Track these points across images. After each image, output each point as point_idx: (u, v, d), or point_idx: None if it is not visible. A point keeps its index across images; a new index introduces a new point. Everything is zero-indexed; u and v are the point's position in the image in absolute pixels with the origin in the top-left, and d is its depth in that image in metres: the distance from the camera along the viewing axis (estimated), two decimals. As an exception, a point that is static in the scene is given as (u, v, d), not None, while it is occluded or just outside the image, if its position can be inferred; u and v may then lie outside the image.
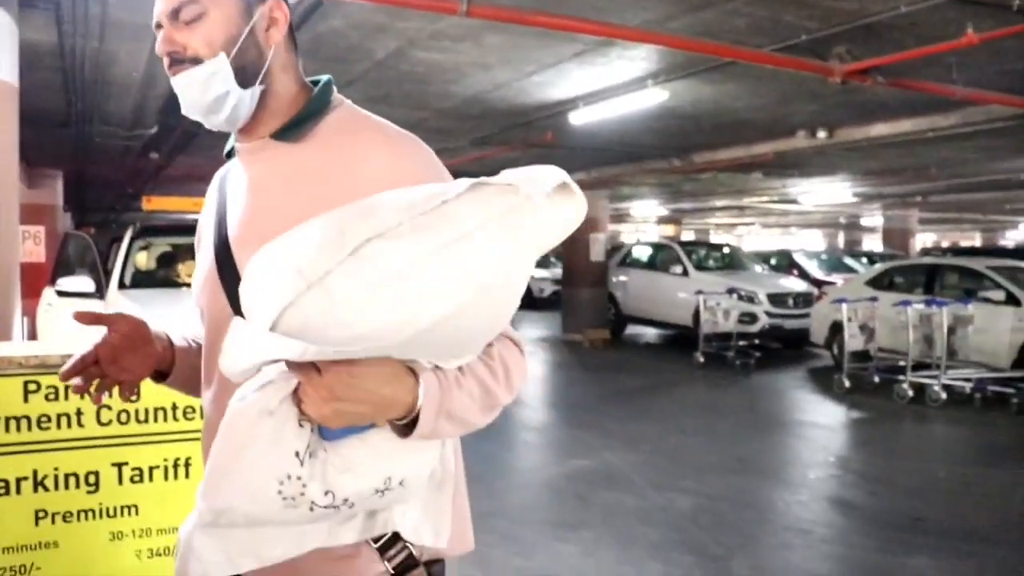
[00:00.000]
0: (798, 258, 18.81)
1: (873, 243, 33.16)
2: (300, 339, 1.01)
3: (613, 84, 7.68)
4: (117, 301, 6.47)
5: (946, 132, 9.13)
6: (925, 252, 23.57)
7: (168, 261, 8.01)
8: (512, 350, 1.22)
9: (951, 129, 8.96)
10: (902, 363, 9.71)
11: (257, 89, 1.27)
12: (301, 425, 1.07)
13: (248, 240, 1.24)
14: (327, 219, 1.05)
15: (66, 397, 2.62)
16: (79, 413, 2.64)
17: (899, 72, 6.49)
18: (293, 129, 1.29)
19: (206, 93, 1.24)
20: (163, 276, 7.76)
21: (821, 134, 9.88)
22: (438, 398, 1.10)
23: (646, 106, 8.02)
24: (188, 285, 7.22)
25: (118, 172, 15.00)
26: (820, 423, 8.72)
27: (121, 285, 7.10)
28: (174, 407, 2.75)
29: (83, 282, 6.92)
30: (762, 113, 9.13)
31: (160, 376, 1.47)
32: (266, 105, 1.30)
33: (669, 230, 30.40)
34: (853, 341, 10.14)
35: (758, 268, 15.53)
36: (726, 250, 16.56)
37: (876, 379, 9.99)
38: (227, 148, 1.39)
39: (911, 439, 8.23)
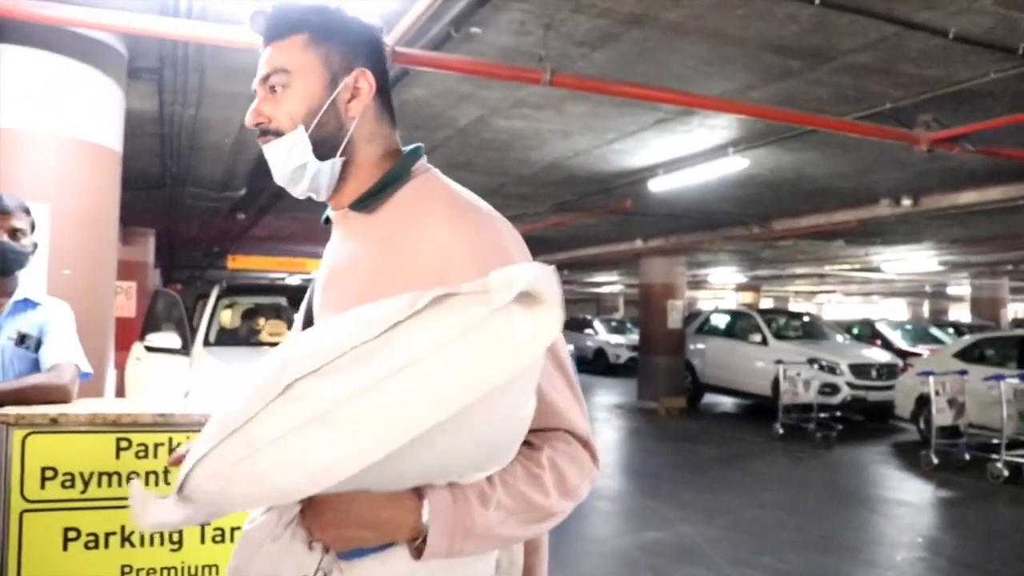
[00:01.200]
0: (881, 328, 18.27)
1: (960, 313, 32.05)
2: (211, 494, 0.97)
3: (693, 152, 7.70)
4: (201, 358, 6.64)
5: (1039, 201, 8.85)
6: (1017, 323, 22.68)
7: (251, 320, 8.20)
8: (569, 451, 1.16)
9: (1043, 197, 8.69)
10: (995, 440, 9.28)
11: (337, 161, 1.30)
12: (311, 548, 1.06)
13: (319, 314, 1.31)
14: (277, 353, 1.02)
15: (155, 455, 2.69)
16: (166, 472, 2.70)
17: (988, 139, 6.34)
18: (367, 199, 1.30)
19: (286, 164, 1.28)
20: (246, 334, 7.94)
21: (906, 202, 9.68)
22: (450, 517, 1.03)
23: (726, 173, 8.00)
24: (270, 344, 7.42)
25: (206, 231, 15.57)
26: (907, 501, 8.35)
27: (206, 342, 7.28)
28: (257, 468, 2.79)
29: (170, 338, 7.11)
30: (844, 181, 9.01)
31: None
32: (349, 175, 1.32)
33: (747, 297, 29.95)
34: (941, 416, 9.74)
35: (839, 337, 15.15)
36: (806, 318, 16.21)
37: (967, 456, 9.56)
38: (324, 215, 1.42)
39: (1007, 523, 7.81)
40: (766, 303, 33.40)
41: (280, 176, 1.31)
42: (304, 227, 15.31)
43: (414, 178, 1.31)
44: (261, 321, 8.16)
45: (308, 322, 1.38)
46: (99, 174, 4.35)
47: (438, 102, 6.24)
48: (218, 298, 8.03)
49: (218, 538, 2.75)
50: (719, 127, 6.91)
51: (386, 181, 1.30)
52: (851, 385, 12.80)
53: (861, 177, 8.78)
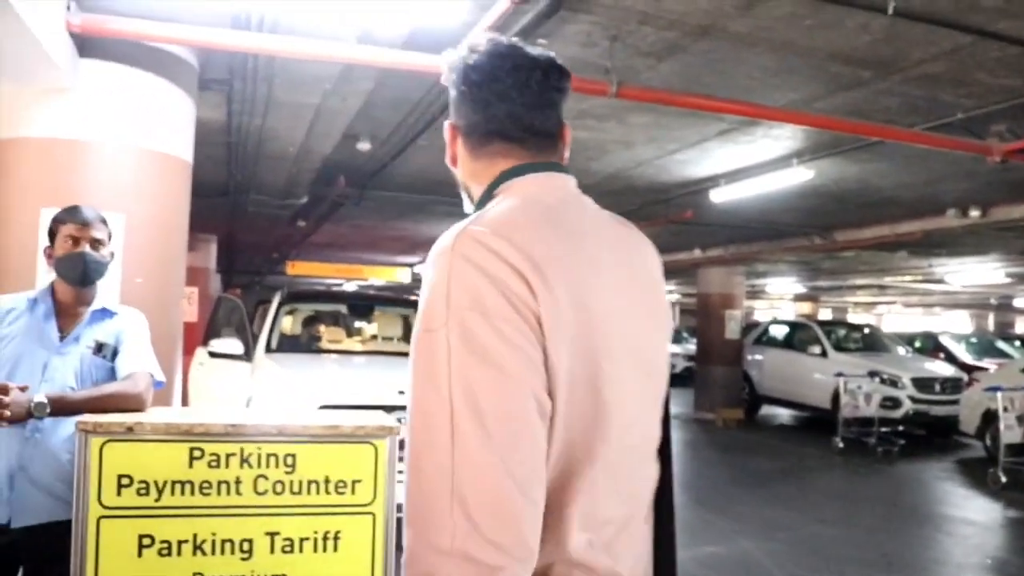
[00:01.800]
0: (944, 340, 17.79)
1: (1027, 326, 31.12)
2: None
3: (757, 162, 7.60)
4: (263, 364, 6.71)
5: (1115, 212, 8.56)
6: (1088, 338, 21.87)
7: (312, 326, 8.29)
8: None
9: (1120, 209, 8.39)
10: (1066, 460, 8.98)
11: (473, 206, 1.36)
12: None
13: None
14: None
15: (227, 465, 2.72)
16: (238, 482, 2.73)
17: (1064, 151, 6.14)
18: None
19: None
20: (307, 341, 8.02)
21: (974, 213, 9.42)
22: None
23: (790, 184, 7.87)
24: (330, 351, 7.49)
25: (266, 238, 15.82)
26: (973, 520, 8.10)
27: (268, 348, 7.36)
28: (327, 480, 2.81)
29: (233, 344, 7.20)
30: (910, 191, 8.80)
31: None
32: None
33: (805, 308, 29.45)
34: (1009, 433, 9.44)
35: (901, 350, 14.79)
36: (867, 330, 15.86)
37: (1036, 475, 9.26)
38: None
39: (1080, 545, 7.54)
40: (824, 314, 32.77)
41: None
42: (363, 235, 15.49)
43: (492, 199, 1.29)
44: (321, 328, 8.24)
45: None
46: (171, 184, 4.44)
47: (500, 112, 6.24)
48: (280, 304, 8.11)
49: (287, 548, 2.77)
50: (783, 137, 6.80)
51: (476, 208, 1.33)
52: (913, 399, 12.48)
53: (927, 187, 8.57)
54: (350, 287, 25.45)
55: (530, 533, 1.03)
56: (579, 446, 1.13)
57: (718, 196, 8.68)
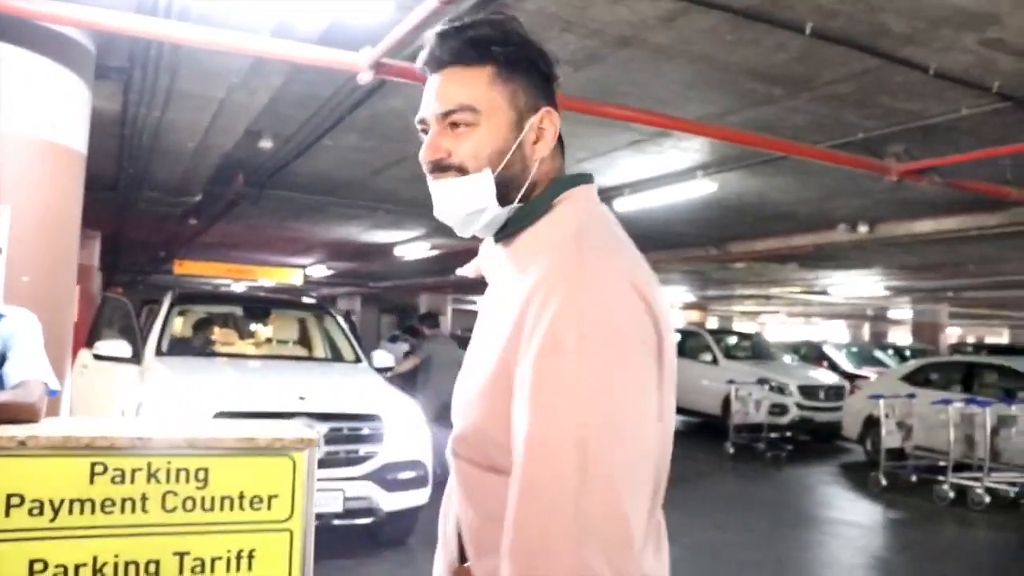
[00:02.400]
0: (827, 349, 18.56)
1: (899, 336, 32.82)
2: None
3: (663, 173, 7.71)
4: (154, 368, 6.38)
5: (992, 231, 9.06)
6: (955, 348, 23.24)
7: (205, 329, 7.95)
8: None
9: (997, 228, 8.89)
10: (942, 463, 9.42)
11: (515, 207, 1.20)
12: None
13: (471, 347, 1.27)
14: None
15: (132, 481, 2.51)
16: (144, 498, 2.52)
17: (954, 172, 6.45)
18: (504, 232, 1.22)
19: (464, 206, 1.19)
20: (199, 344, 7.68)
21: (862, 228, 9.83)
22: None
23: (693, 196, 8.01)
24: (225, 355, 7.18)
25: (154, 235, 15.16)
26: (859, 523, 8.41)
27: (159, 351, 7.01)
28: (241, 496, 2.63)
29: (120, 347, 6.81)
30: (806, 206, 9.11)
31: None
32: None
33: (694, 316, 30.26)
34: (890, 438, 9.85)
35: (787, 358, 15.32)
36: (755, 339, 16.36)
37: (913, 478, 9.68)
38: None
39: (955, 544, 7.91)
40: (712, 322, 33.76)
41: (449, 215, 1.22)
42: (256, 235, 15.03)
43: (553, 209, 1.19)
44: (215, 330, 7.92)
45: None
46: (62, 176, 4.13)
47: (413, 114, 6.07)
48: (171, 305, 7.74)
49: (198, 568, 2.58)
50: (691, 150, 6.91)
51: (523, 213, 1.20)
52: (800, 406, 12.92)
53: (823, 203, 8.89)
54: (239, 288, 24.72)
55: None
56: (662, 475, 1.19)
57: (621, 205, 8.76)
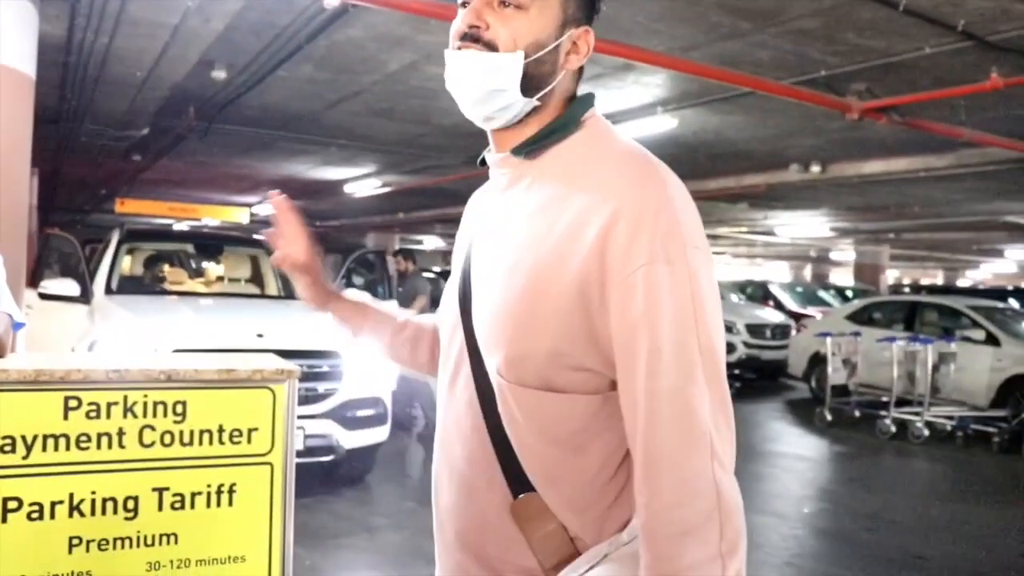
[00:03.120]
0: (773, 289, 18.91)
1: (840, 277, 33.55)
2: None
3: (623, 108, 7.63)
4: (105, 306, 6.20)
5: (939, 172, 9.23)
6: (895, 289, 23.87)
7: (154, 267, 7.76)
8: None
9: (945, 170, 9.06)
10: (884, 399, 9.73)
11: (532, 103, 1.18)
12: None
13: (478, 270, 1.23)
14: None
15: (108, 416, 2.43)
16: (121, 433, 2.44)
17: (911, 112, 6.51)
18: (530, 146, 1.19)
19: (485, 82, 1.15)
20: (150, 282, 7.50)
21: (815, 168, 9.93)
22: None
23: (652, 133, 7.97)
24: (176, 293, 7.02)
25: (95, 172, 14.65)
26: (805, 456, 8.68)
27: (108, 290, 6.82)
28: (220, 429, 2.57)
29: (68, 285, 6.61)
30: (761, 145, 9.15)
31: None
32: (530, 119, 1.20)
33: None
34: (836, 375, 10.11)
35: (734, 298, 15.56)
36: (702, 278, 16.54)
37: (857, 413, 9.99)
38: (480, 157, 1.31)
39: (897, 475, 8.21)
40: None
41: (465, 90, 1.18)
42: (202, 172, 14.63)
43: (584, 127, 1.20)
44: (166, 268, 7.74)
45: (466, 276, 1.26)
46: (11, 101, 3.92)
47: (372, 45, 5.94)
48: (119, 243, 7.51)
49: (177, 504, 2.52)
50: (653, 85, 6.85)
51: (555, 126, 1.19)
52: (747, 344, 13.18)
53: (777, 142, 8.93)
54: (181, 227, 24.15)
55: None
56: None
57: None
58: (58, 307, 6.42)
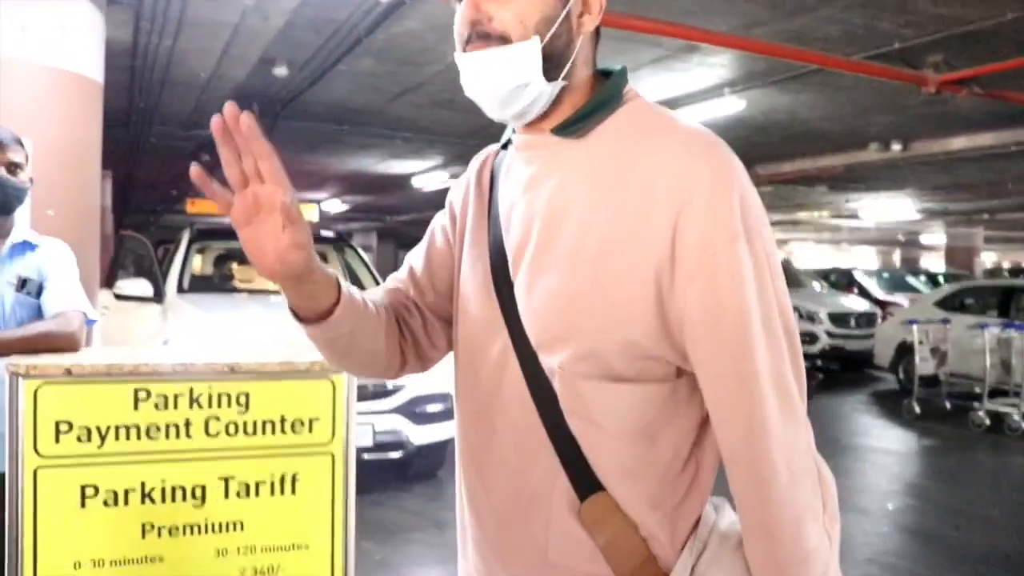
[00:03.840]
0: (858, 276, 18.50)
1: (931, 262, 32.60)
2: None
3: (689, 91, 7.62)
4: (177, 305, 6.48)
5: (1031, 146, 8.95)
6: (991, 273, 23.10)
7: (223, 265, 8.06)
8: None
9: (1038, 143, 8.78)
10: (977, 389, 9.46)
11: (559, 84, 1.12)
12: None
13: (520, 252, 1.15)
14: None
15: (175, 407, 2.59)
16: (187, 424, 2.61)
17: (994, 83, 6.34)
18: (576, 124, 1.13)
19: (506, 80, 1.09)
20: (219, 280, 7.80)
21: (896, 147, 9.72)
22: None
23: (721, 115, 7.93)
24: (244, 291, 7.28)
25: (165, 173, 15.21)
26: (892, 450, 8.52)
27: (180, 289, 7.12)
28: (282, 420, 2.71)
29: (142, 286, 6.91)
30: (836, 124, 9.00)
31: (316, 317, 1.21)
32: (561, 99, 1.14)
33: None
34: (924, 365, 9.87)
35: (817, 286, 15.30)
36: (783, 266, 16.32)
37: (948, 405, 9.73)
38: (503, 139, 1.27)
39: (992, 470, 8.00)
40: (736, 250, 33.56)
41: (486, 92, 1.12)
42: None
43: (626, 103, 1.15)
44: (235, 267, 8.02)
45: (499, 264, 1.18)
46: (82, 107, 4.16)
47: (430, 35, 6.07)
48: (190, 243, 7.83)
49: (242, 493, 2.67)
50: (718, 66, 6.82)
51: (598, 102, 1.13)
52: (830, 334, 12.96)
53: (853, 121, 8.78)
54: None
55: None
56: None
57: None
58: (133, 307, 6.73)
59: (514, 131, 1.22)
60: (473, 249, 1.25)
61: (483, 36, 1.08)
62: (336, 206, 23.24)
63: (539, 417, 1.12)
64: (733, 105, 7.59)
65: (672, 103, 8.02)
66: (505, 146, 1.27)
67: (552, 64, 1.10)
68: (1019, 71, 5.78)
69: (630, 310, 1.04)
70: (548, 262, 1.11)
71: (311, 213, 21.12)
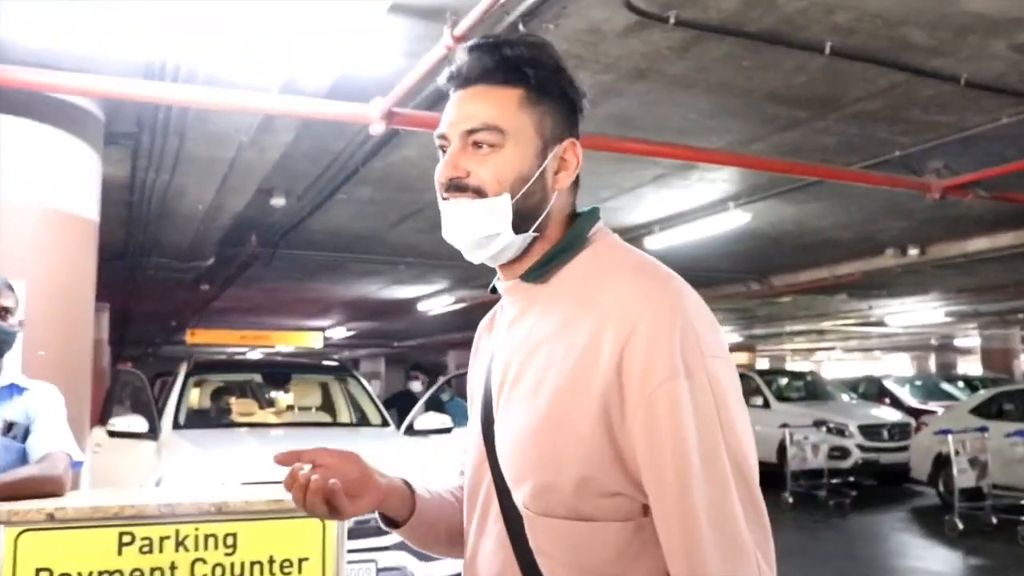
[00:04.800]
0: (889, 385, 18.38)
1: (970, 366, 32.30)
2: None
3: (692, 207, 7.87)
4: (172, 442, 6.53)
5: (1053, 244, 9.07)
6: (1032, 375, 22.85)
7: (222, 399, 8.12)
8: None
9: (1058, 241, 8.91)
10: (1023, 501, 9.30)
11: (530, 236, 1.23)
12: None
13: (498, 393, 1.25)
14: None
15: (161, 550, 2.66)
16: (173, 567, 2.67)
17: (1000, 185, 6.52)
18: (539, 270, 1.24)
19: (478, 230, 1.21)
20: (218, 415, 7.84)
21: (912, 251, 9.86)
22: None
23: (726, 229, 8.14)
24: (244, 425, 7.34)
25: (165, 304, 15.50)
26: (935, 571, 8.33)
27: (176, 425, 7.16)
28: (271, 560, 2.77)
29: (136, 422, 6.94)
30: (848, 232, 9.19)
31: (391, 523, 1.40)
32: (533, 247, 1.25)
33: (742, 358, 30.10)
34: (963, 477, 9.70)
35: (845, 397, 15.23)
36: (809, 378, 16.30)
37: (993, 520, 9.52)
38: (491, 285, 1.36)
39: (1044, 590, 7.81)
40: (762, 363, 33.52)
41: (461, 238, 1.24)
42: (271, 298, 15.32)
43: (591, 244, 1.25)
44: (234, 400, 8.08)
45: (487, 407, 1.28)
46: (76, 246, 4.37)
47: (428, 163, 6.30)
48: (187, 376, 7.91)
49: (230, 638, 2.70)
50: (719, 181, 7.07)
51: (561, 247, 1.24)
52: (862, 448, 12.81)
53: (865, 227, 8.96)
54: (255, 355, 25.01)
55: None
56: None
57: (653, 243, 8.90)
58: (127, 444, 6.76)
59: (497, 279, 1.33)
60: (474, 391, 1.37)
61: (460, 188, 1.21)
62: (341, 333, 23.50)
63: (514, 554, 1.18)
64: (739, 218, 7.80)
65: (677, 219, 8.27)
66: (494, 291, 1.37)
67: (524, 218, 1.21)
68: (1020, 173, 5.96)
69: (582, 445, 1.09)
70: (515, 401, 1.20)
71: (316, 340, 21.40)
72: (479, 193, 1.19)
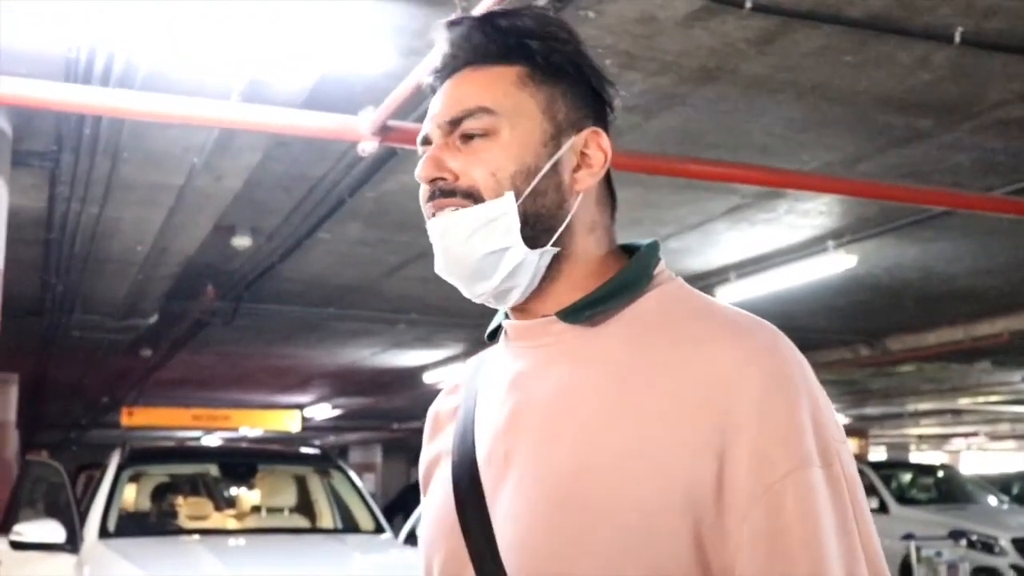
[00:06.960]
0: (1054, 484, 18.15)
1: None
2: None
3: (779, 248, 7.83)
4: (99, 555, 6.50)
5: None
6: None
7: (167, 499, 8.12)
8: None
9: None
10: None
11: (549, 252, 1.18)
12: None
13: (497, 468, 1.19)
14: None
15: None
16: None
17: None
18: (589, 308, 1.17)
19: (477, 246, 1.15)
20: (160, 520, 7.84)
21: (1079, 305, 9.76)
22: None
23: (824, 276, 8.09)
24: (196, 532, 7.32)
25: (91, 376, 15.54)
26: None
27: (103, 532, 7.12)
28: None
29: (50, 529, 6.90)
30: (991, 279, 9.11)
31: None
32: (558, 274, 1.20)
33: (851, 446, 29.76)
34: None
35: (993, 500, 15.01)
36: (941, 474, 16.08)
37: None
38: (491, 328, 1.32)
39: None
40: (877, 453, 33.14)
41: (457, 263, 1.18)
42: (234, 366, 15.36)
43: (657, 286, 1.21)
44: (182, 500, 8.07)
45: (466, 483, 1.23)
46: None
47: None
48: (120, 468, 7.89)
49: None
50: (815, 213, 7.04)
51: (619, 284, 1.19)
52: (1018, 570, 12.62)
53: (1014, 273, 8.86)
54: (211, 440, 24.98)
55: None
56: None
57: (728, 294, 8.85)
58: (37, 559, 6.75)
59: (506, 315, 1.28)
60: (439, 470, 1.31)
61: (447, 193, 1.16)
62: (325, 411, 23.47)
63: None
64: (841, 262, 7.74)
65: (760, 263, 8.23)
66: (493, 337, 1.33)
67: (536, 228, 1.16)
68: None
69: (654, 548, 1.06)
70: (537, 480, 1.13)
71: (291, 422, 21.37)
72: (473, 197, 1.15)
